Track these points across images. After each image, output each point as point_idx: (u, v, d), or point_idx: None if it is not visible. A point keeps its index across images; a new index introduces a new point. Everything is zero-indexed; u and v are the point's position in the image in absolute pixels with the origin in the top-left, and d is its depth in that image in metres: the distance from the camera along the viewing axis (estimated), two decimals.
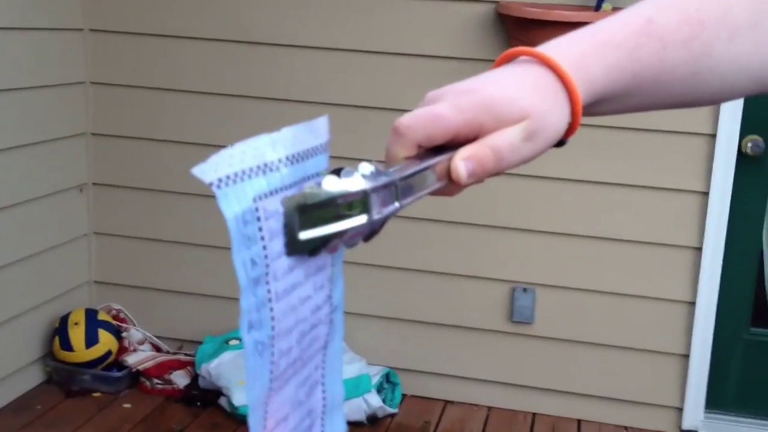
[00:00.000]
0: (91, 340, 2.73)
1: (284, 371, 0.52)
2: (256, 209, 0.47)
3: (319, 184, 0.48)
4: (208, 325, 2.87)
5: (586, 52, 0.60)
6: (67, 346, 2.72)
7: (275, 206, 0.48)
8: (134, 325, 2.92)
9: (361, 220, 0.48)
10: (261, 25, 2.67)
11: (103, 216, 2.92)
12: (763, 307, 2.74)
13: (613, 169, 2.54)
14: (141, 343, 2.88)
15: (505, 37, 2.51)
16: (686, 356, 2.61)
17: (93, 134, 2.87)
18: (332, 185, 0.47)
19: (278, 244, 0.48)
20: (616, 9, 2.36)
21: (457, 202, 2.62)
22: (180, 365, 2.77)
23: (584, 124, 2.10)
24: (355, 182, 0.48)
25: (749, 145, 2.50)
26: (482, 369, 2.75)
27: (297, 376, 0.54)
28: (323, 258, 0.53)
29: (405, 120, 0.55)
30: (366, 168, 0.49)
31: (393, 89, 2.62)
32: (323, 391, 0.59)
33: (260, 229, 0.47)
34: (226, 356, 2.68)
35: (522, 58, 0.60)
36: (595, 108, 0.63)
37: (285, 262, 0.49)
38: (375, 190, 0.48)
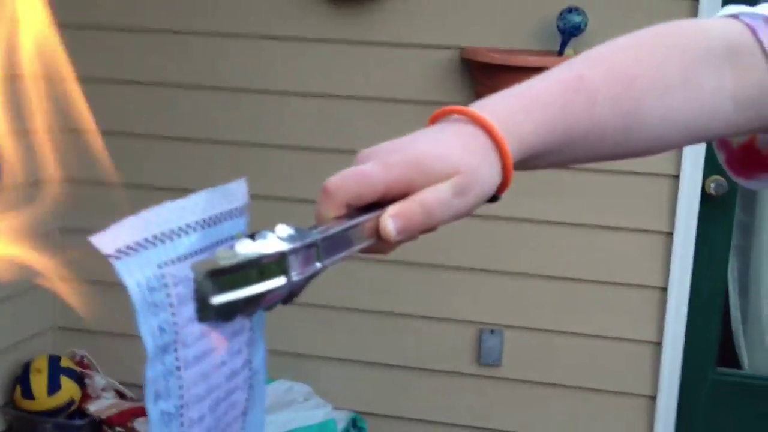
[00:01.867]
0: (53, 387, 2.69)
1: None
2: (163, 276, 0.46)
3: (232, 248, 0.46)
4: None
5: (516, 110, 0.61)
6: (28, 394, 2.67)
7: (185, 272, 0.47)
8: (98, 371, 2.88)
9: (279, 282, 0.47)
10: (230, 70, 2.69)
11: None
12: (729, 347, 2.75)
13: (579, 210, 2.56)
14: (105, 390, 2.83)
15: (470, 81, 2.53)
16: (653, 397, 2.60)
17: (63, 181, 2.85)
18: (246, 248, 0.46)
19: (188, 310, 0.47)
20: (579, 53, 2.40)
21: (422, 244, 2.61)
22: (144, 412, 2.72)
23: None
24: (270, 244, 0.47)
25: (713, 185, 2.53)
26: (450, 412, 2.73)
27: None
28: (239, 322, 0.51)
29: (333, 180, 0.55)
30: (283, 230, 0.48)
31: (361, 133, 2.63)
32: None
33: (168, 296, 0.46)
34: None
35: (454, 116, 0.61)
36: (528, 163, 0.64)
37: (196, 328, 0.48)
38: (294, 251, 0.47)
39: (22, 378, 2.69)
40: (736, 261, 2.76)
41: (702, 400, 2.67)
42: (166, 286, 0.47)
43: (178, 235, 0.48)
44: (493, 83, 2.41)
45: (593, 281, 2.59)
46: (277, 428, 2.55)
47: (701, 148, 2.47)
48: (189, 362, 0.49)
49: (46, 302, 2.89)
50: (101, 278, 2.76)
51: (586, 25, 2.38)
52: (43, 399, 2.67)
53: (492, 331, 2.66)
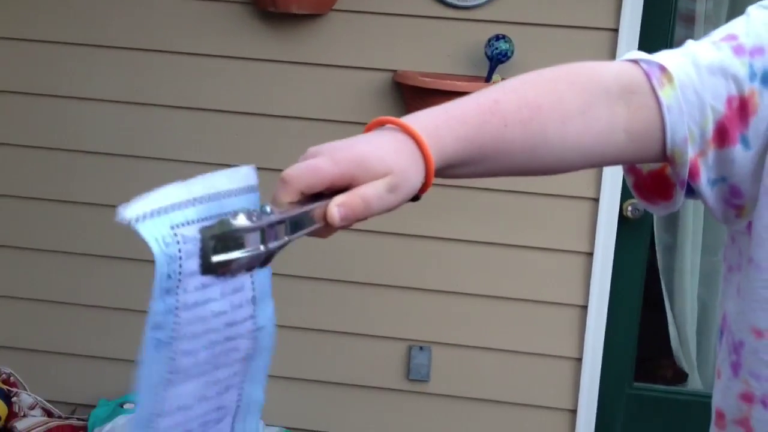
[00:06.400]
0: None
1: (187, 368, 0.62)
2: (175, 235, 0.58)
3: (231, 219, 0.59)
4: (101, 388, 2.81)
5: (439, 125, 0.72)
6: None
7: (193, 233, 0.59)
8: (25, 389, 2.84)
9: (259, 248, 0.60)
10: (157, 87, 2.70)
11: None
12: (643, 362, 2.88)
13: (503, 230, 2.65)
14: (32, 408, 2.80)
15: (402, 103, 2.61)
16: (574, 411, 2.70)
17: None
18: (241, 222, 0.59)
19: (193, 264, 0.59)
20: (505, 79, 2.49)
21: (352, 262, 2.68)
22: (72, 430, 2.71)
23: (475, 188, 2.25)
24: (257, 220, 0.60)
25: (629, 208, 2.66)
26: (380, 427, 2.78)
27: (206, 376, 0.64)
28: (240, 281, 0.64)
29: (289, 171, 0.66)
30: (267, 209, 0.61)
31: (294, 152, 2.67)
32: (239, 395, 0.69)
33: (179, 251, 0.58)
34: (120, 420, 2.63)
35: (388, 126, 0.73)
36: (448, 171, 0.74)
37: (198, 279, 0.60)
38: (270, 225, 0.60)
39: None
40: (664, 280, 2.90)
41: (620, 413, 2.78)
42: (177, 243, 0.58)
43: (186, 206, 0.60)
44: (423, 105, 2.46)
45: (517, 299, 2.68)
46: None
47: (619, 174, 2.60)
48: (188, 305, 0.60)
49: None
50: (29, 295, 2.78)
51: (512, 53, 2.47)
52: None
53: (421, 348, 2.73)
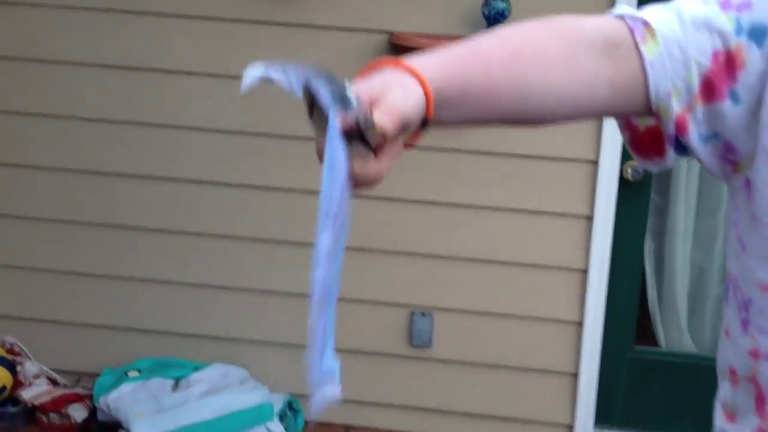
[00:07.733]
0: None
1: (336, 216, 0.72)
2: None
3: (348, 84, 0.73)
4: (106, 356, 2.83)
5: (425, 55, 0.78)
6: None
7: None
8: (30, 358, 2.86)
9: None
10: (144, 50, 2.69)
11: None
12: (646, 326, 2.88)
13: (503, 194, 2.65)
14: (37, 377, 2.81)
15: None
16: (575, 375, 2.71)
17: None
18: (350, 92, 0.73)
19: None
20: None
21: (353, 227, 2.66)
22: (77, 399, 2.73)
23: (473, 152, 2.21)
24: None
25: (630, 170, 2.64)
26: (383, 393, 2.80)
27: (333, 232, 0.72)
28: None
29: (398, 109, 0.72)
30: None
31: (286, 114, 2.66)
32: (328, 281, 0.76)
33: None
34: (125, 388, 2.65)
35: (386, 68, 0.76)
36: (438, 113, 0.76)
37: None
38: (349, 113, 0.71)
39: None
40: (652, 243, 2.88)
41: (621, 376, 2.79)
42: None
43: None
44: None
45: (518, 264, 2.68)
46: (214, 412, 2.58)
47: (619, 136, 2.57)
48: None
49: None
50: (32, 265, 2.77)
51: (510, 12, 2.45)
52: None
53: (423, 314, 2.74)
